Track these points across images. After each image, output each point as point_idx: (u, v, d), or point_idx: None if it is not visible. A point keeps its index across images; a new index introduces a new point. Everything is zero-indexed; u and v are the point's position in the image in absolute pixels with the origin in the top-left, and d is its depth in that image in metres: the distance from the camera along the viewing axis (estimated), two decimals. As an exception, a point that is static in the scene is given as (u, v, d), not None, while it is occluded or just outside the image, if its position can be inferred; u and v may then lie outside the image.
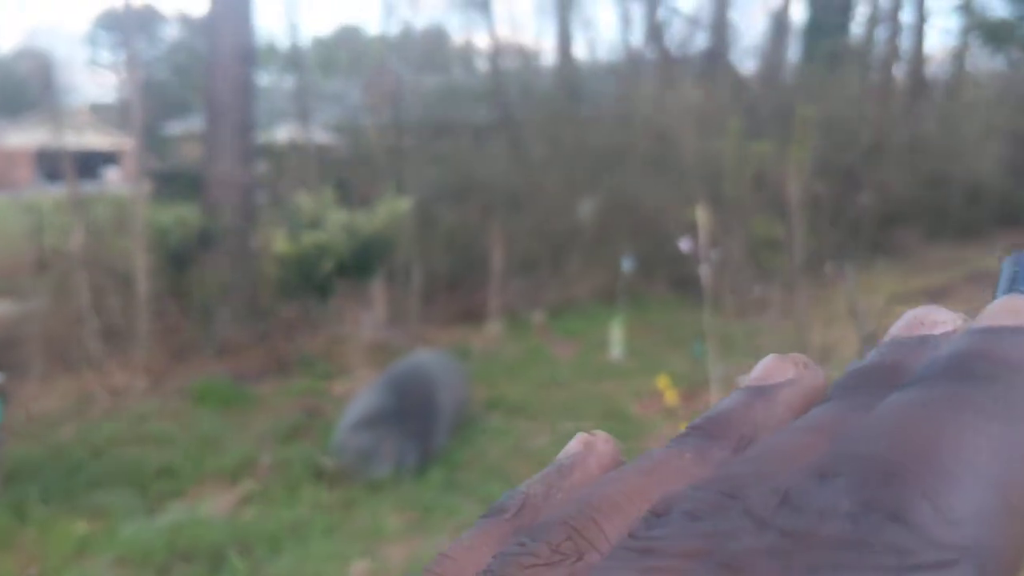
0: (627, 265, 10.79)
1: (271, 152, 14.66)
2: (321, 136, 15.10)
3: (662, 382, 7.97)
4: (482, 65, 18.24)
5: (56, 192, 12.12)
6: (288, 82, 15.61)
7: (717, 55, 19.50)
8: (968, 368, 0.27)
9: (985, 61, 23.47)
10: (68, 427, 7.04)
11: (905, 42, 22.86)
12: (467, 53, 19.35)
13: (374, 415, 5.67)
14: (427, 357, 7.38)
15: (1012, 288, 0.38)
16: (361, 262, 7.75)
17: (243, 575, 4.13)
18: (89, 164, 13.33)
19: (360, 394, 6.36)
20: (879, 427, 0.25)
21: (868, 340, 2.81)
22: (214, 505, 5.29)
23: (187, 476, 5.80)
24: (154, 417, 7.37)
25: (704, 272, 6.98)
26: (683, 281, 12.25)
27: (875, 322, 5.30)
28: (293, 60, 13.27)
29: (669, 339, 11.15)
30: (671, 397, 7.88)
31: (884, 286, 13.07)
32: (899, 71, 23.16)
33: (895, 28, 22.25)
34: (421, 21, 19.64)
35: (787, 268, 4.80)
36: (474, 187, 13.21)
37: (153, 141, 26.88)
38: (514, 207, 12.99)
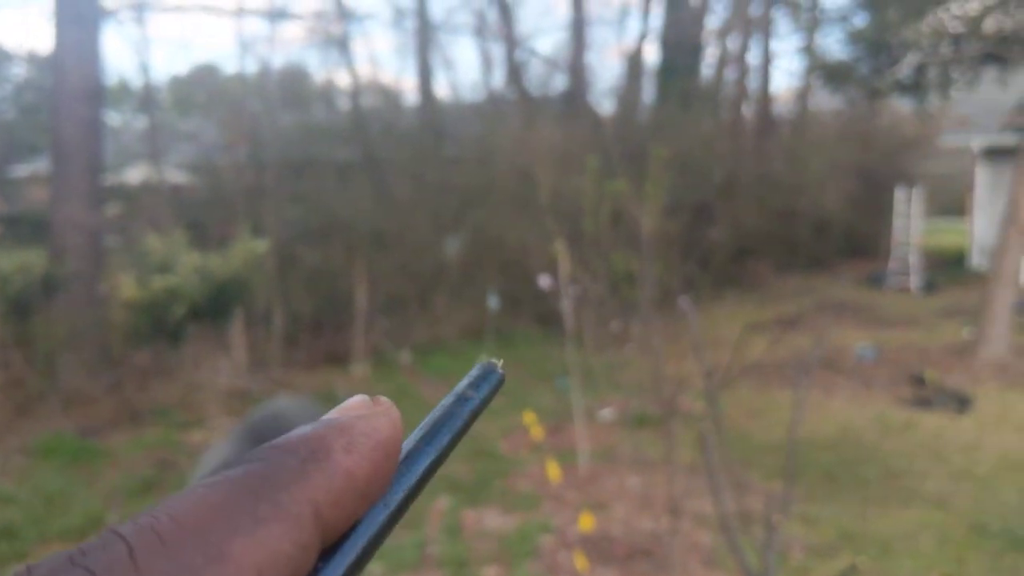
0: (493, 302, 10.86)
1: (123, 193, 14.09)
2: (176, 176, 14.63)
3: (528, 418, 8.03)
4: (343, 103, 18.14)
5: None
6: (141, 121, 15.07)
7: (575, 96, 20.05)
8: (260, 452, 0.35)
9: (827, 100, 25.00)
10: None
11: (753, 82, 24.15)
12: (328, 91, 19.19)
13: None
14: (287, 404, 7.15)
15: (467, 387, 0.45)
16: (216, 306, 7.50)
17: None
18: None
19: (215, 445, 6.12)
20: (172, 504, 0.32)
21: (710, 373, 2.93)
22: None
23: (31, 537, 5.44)
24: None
25: (565, 308, 7.10)
26: (547, 317, 12.43)
27: (729, 352, 5.50)
28: (145, 99, 12.82)
29: (535, 374, 11.26)
30: (537, 433, 7.94)
31: (740, 316, 13.63)
32: (748, 110, 24.42)
33: (743, 69, 23.48)
34: (279, 59, 19.38)
35: (641, 302, 4.93)
36: (337, 226, 13.05)
37: (-5, 182, 25.35)
38: (379, 246, 12.90)
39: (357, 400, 0.41)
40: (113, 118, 15.85)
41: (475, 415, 0.43)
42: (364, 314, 10.83)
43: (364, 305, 10.86)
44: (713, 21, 24.24)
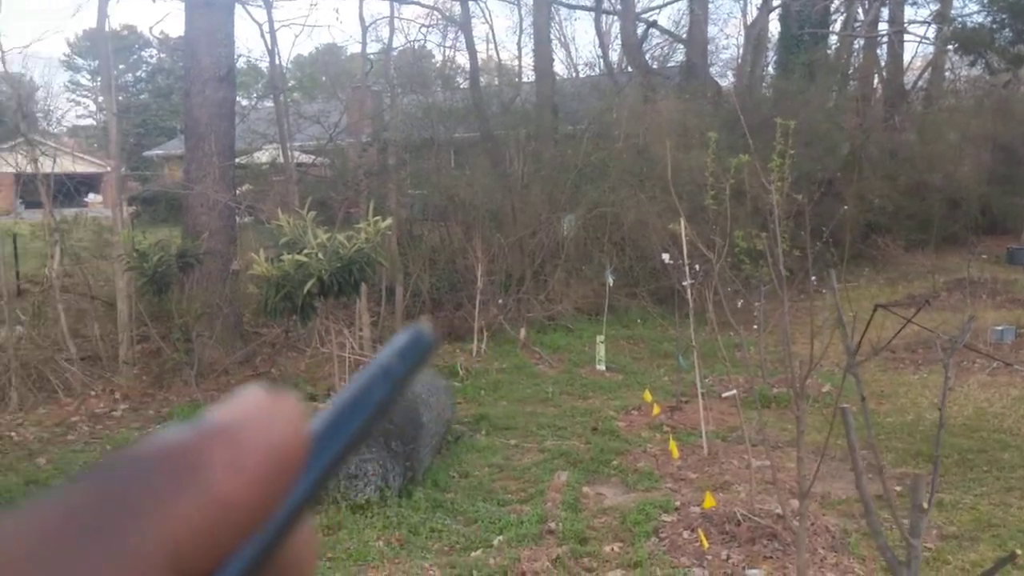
0: (610, 279, 10.77)
1: (252, 173, 14.61)
2: (302, 156, 15.06)
3: (647, 396, 7.96)
4: (463, 83, 18.28)
5: (34, 218, 12.04)
6: (269, 103, 15.57)
7: (695, 69, 19.62)
8: (118, 462, 0.28)
9: (963, 69, 23.71)
10: (46, 455, 6.93)
11: (882, 52, 23.11)
12: (448, 71, 19.40)
13: (357, 436, 5.61)
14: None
15: (391, 356, 0.38)
16: (343, 282, 7.68)
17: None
18: (70, 189, 13.22)
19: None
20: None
21: (854, 351, 2.80)
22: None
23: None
24: (133, 444, 7.27)
25: (686, 285, 6.97)
26: (665, 295, 12.27)
27: (860, 332, 5.30)
28: (272, 81, 13.22)
29: (653, 352, 11.15)
30: (656, 411, 7.86)
31: (869, 295, 13.13)
32: (877, 81, 23.38)
33: (872, 38, 22.48)
34: (400, 40, 19.69)
35: (769, 280, 4.79)
36: (456, 205, 13.20)
37: (135, 164, 26.81)
38: (496, 224, 12.98)
39: (253, 395, 0.32)
40: (243, 100, 16.43)
41: (399, 389, 0.37)
42: (482, 291, 10.92)
43: (482, 282, 10.95)
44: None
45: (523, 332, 11.04)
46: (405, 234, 13.04)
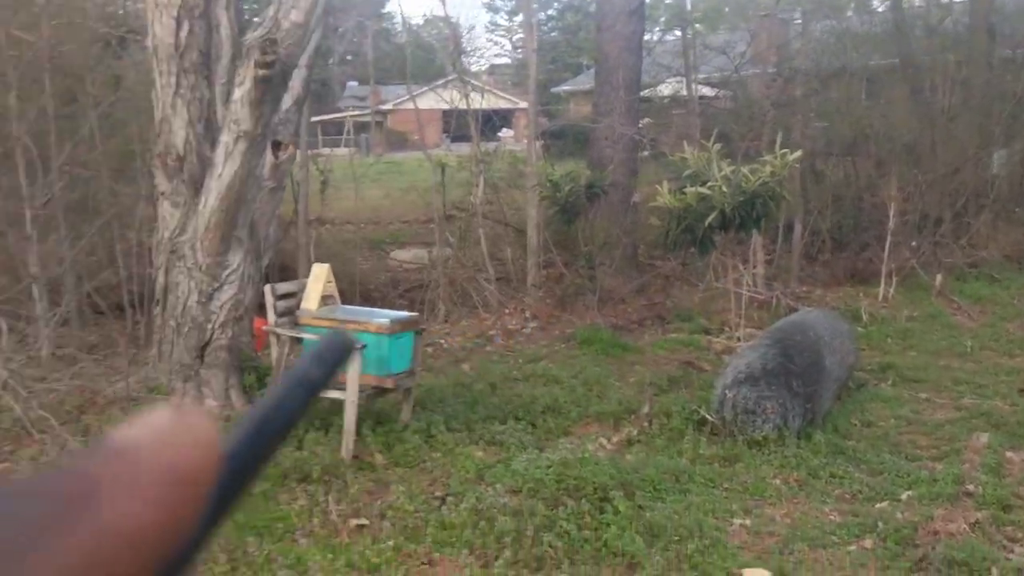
0: (1049, 225, 9.46)
1: (654, 107, 14.79)
2: (704, 89, 14.93)
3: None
4: (881, 6, 16.83)
5: (460, 151, 13.26)
6: (673, 36, 15.59)
7: None
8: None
9: None
10: (469, 363, 7.72)
11: None
12: (864, -6, 17.94)
13: (758, 372, 5.54)
14: (813, 316, 7.06)
15: (307, 369, 0.35)
16: (744, 217, 7.55)
17: (626, 517, 4.26)
18: (491, 123, 14.39)
19: (742, 350, 6.25)
20: None
21: None
22: (598, 446, 5.51)
23: (573, 416, 6.11)
24: (543, 358, 7.85)
25: None
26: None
27: None
28: (679, 14, 13.21)
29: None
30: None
31: None
32: None
33: None
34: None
35: None
36: (866, 139, 12.33)
37: (544, 99, 28.42)
38: (913, 160, 11.92)
39: (157, 416, 0.29)
40: (648, 35, 16.61)
41: (313, 396, 0.35)
42: (893, 232, 10.15)
43: (894, 223, 10.17)
44: None
45: (939, 279, 10.12)
46: (808, 169, 12.46)
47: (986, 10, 14.93)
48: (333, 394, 5.31)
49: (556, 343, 8.49)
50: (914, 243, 10.78)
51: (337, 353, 0.38)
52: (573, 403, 6.35)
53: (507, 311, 9.58)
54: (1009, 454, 5.41)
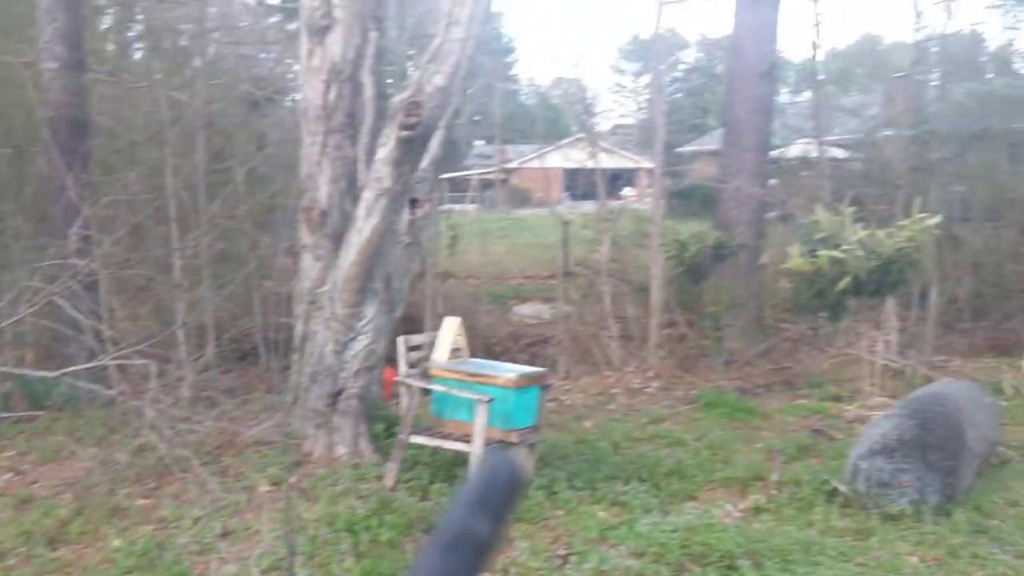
0: None
1: (782, 168, 14.59)
2: (835, 151, 14.65)
3: None
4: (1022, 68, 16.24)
5: (583, 208, 13.40)
6: (803, 97, 15.42)
7: None
8: None
9: None
10: (590, 420, 7.71)
11: None
12: (1005, 55, 17.36)
13: (894, 444, 5.35)
14: (954, 388, 6.77)
15: (479, 501, 0.31)
16: (879, 282, 7.36)
17: (754, 586, 4.16)
18: (610, 183, 14.54)
19: (877, 420, 6.04)
20: None
21: None
22: (724, 512, 5.41)
23: (698, 480, 6.01)
24: (665, 419, 7.77)
25: None
26: None
27: None
28: (810, 75, 13.07)
29: None
30: None
31: None
32: None
33: None
34: (953, 26, 18.08)
35: None
36: (1010, 204, 11.82)
37: (668, 159, 28.45)
38: (1061, 227, 11.35)
39: None
40: (779, 94, 16.49)
41: (484, 561, 0.25)
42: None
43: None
44: None
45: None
46: (944, 234, 12.00)
47: None
48: (457, 446, 5.41)
49: (679, 404, 8.40)
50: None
51: (502, 493, 0.30)
52: (698, 467, 6.26)
53: (629, 370, 9.54)
54: None
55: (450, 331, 5.63)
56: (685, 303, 10.63)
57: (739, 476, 5.99)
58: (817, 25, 12.05)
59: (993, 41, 20.42)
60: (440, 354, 5.59)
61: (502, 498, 0.28)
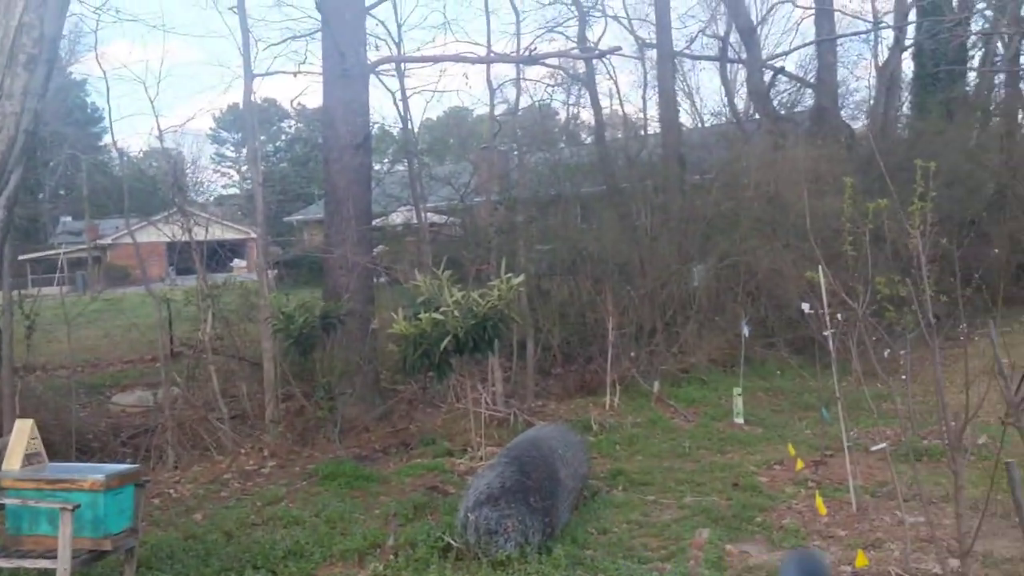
0: (745, 330, 10.56)
1: (387, 235, 15.11)
2: (434, 217, 15.49)
3: (791, 450, 7.72)
4: (588, 138, 18.48)
5: (186, 284, 12.77)
6: (402, 167, 16.15)
7: (826, 113, 19.20)
8: None
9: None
10: (201, 512, 7.26)
11: (1026, 87, 22.04)
12: (573, 128, 19.66)
13: (497, 492, 5.66)
14: (547, 431, 7.35)
15: None
16: (477, 340, 7.84)
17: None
18: (217, 255, 14.05)
19: (483, 471, 6.36)
20: None
21: (1018, 402, 2.66)
22: (343, 586, 5.33)
23: (315, 557, 5.88)
24: (283, 499, 7.54)
25: (827, 335, 6.77)
26: (804, 344, 11.92)
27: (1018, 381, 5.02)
28: (406, 146, 13.74)
29: (793, 405, 10.82)
30: (800, 465, 7.61)
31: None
32: (1022, 116, 22.28)
33: (1014, 73, 21.49)
34: (526, 100, 20.11)
35: (916, 328, 4.61)
36: (584, 259, 13.29)
37: (276, 229, 28.19)
38: (625, 277, 12.97)
39: None
40: (376, 165, 17.08)
41: None
42: (613, 344, 10.89)
43: (613, 336, 10.93)
44: (977, 24, 22.38)
45: (656, 385, 10.92)
46: (535, 289, 13.17)
47: (676, 142, 16.81)
48: (41, 564, 4.80)
49: (297, 481, 8.20)
50: (632, 353, 11.60)
51: None
52: (316, 543, 6.13)
53: (243, 451, 9.15)
54: (728, 547, 5.84)
55: (22, 435, 4.99)
56: (301, 375, 10.49)
57: (356, 547, 5.96)
58: (404, 100, 12.70)
59: (562, 115, 23.00)
60: (11, 463, 4.93)
61: None
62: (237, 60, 20.34)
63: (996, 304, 11.60)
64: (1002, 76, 21.52)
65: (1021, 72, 21.60)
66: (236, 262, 29.74)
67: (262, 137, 38.29)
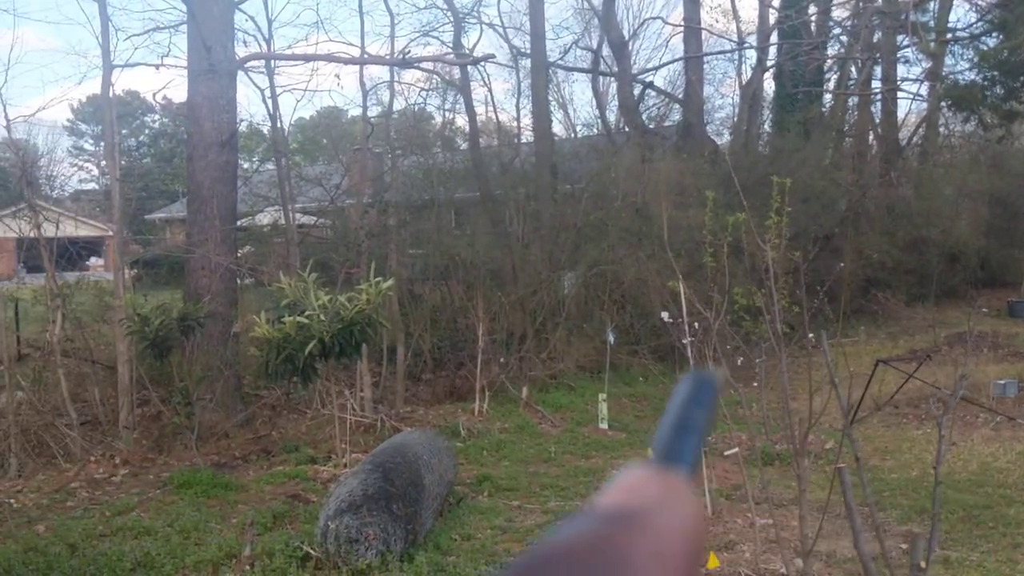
0: (611, 338, 10.78)
1: (254, 236, 14.71)
2: (304, 218, 15.18)
3: (649, 454, 7.89)
4: (462, 144, 18.50)
5: (37, 283, 12.09)
6: (271, 166, 15.76)
7: (692, 128, 19.87)
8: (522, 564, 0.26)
9: (957, 125, 24.04)
10: (44, 523, 6.86)
11: (877, 110, 23.42)
12: (447, 133, 19.65)
13: (359, 499, 5.57)
14: (413, 437, 7.30)
15: (685, 413, 0.40)
16: (344, 344, 7.70)
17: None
18: (73, 253, 13.36)
19: (345, 478, 6.25)
20: None
21: (850, 410, 2.81)
22: (195, 599, 5.14)
23: (167, 569, 5.65)
24: (135, 508, 7.21)
25: (687, 343, 6.98)
26: (666, 352, 12.27)
27: (861, 388, 5.30)
28: (275, 145, 13.40)
29: (655, 410, 11.11)
30: (659, 470, 7.80)
31: (869, 350, 13.11)
32: (872, 138, 23.67)
33: (866, 97, 22.80)
34: (400, 103, 19.99)
35: (769, 337, 4.80)
36: (457, 265, 13.28)
37: (137, 227, 27.03)
38: (497, 283, 13.03)
39: (639, 476, 0.30)
40: (244, 164, 16.62)
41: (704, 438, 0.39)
42: (483, 350, 10.92)
43: (484, 342, 10.96)
44: (833, 49, 23.67)
45: (525, 391, 11.01)
46: (406, 294, 13.09)
47: (548, 151, 17.03)
48: None
49: (150, 490, 7.86)
50: (502, 359, 11.66)
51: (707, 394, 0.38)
52: (168, 554, 5.89)
53: (93, 459, 8.71)
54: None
55: None
56: (158, 379, 10.08)
57: (211, 557, 5.76)
58: (274, 98, 12.41)
59: (438, 120, 22.98)
60: None
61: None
62: (96, 50, 19.44)
63: (842, 315, 12.23)
64: (855, 99, 22.80)
65: (872, 95, 22.95)
66: (93, 260, 28.36)
67: (124, 131, 36.69)
